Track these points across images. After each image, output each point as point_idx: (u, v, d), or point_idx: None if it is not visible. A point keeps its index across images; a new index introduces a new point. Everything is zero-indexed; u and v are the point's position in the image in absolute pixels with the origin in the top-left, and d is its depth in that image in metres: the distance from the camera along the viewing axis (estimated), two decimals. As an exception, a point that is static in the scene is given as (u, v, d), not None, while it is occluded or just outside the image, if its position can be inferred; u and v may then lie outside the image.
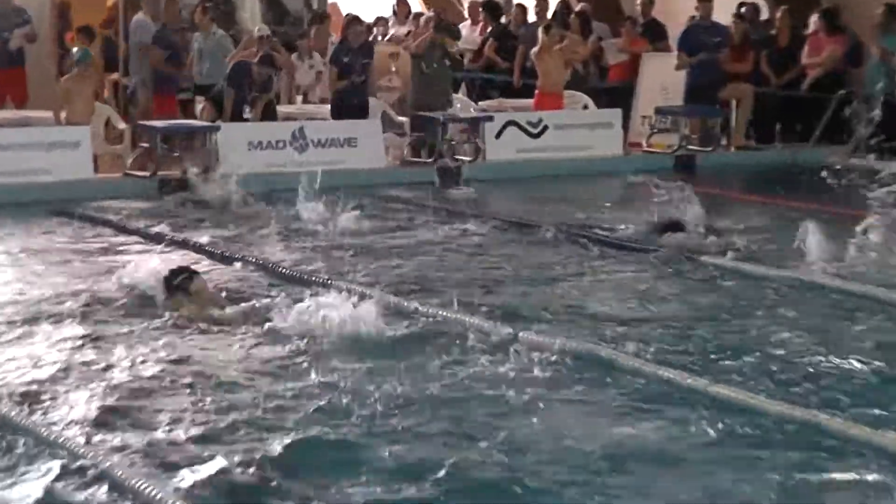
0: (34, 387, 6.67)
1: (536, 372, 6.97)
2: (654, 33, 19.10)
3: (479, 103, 18.04)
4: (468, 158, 16.03)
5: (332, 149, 15.17)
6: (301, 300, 8.16)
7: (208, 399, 6.46)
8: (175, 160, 14.51)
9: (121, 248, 10.62)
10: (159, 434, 5.98)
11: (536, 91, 17.18)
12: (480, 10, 20.56)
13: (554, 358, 7.18)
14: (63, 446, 5.74)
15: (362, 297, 7.82)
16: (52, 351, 7.35)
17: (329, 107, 16.15)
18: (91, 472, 5.46)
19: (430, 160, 15.76)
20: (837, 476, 5.56)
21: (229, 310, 8.18)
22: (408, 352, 7.29)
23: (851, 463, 5.69)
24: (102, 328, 7.83)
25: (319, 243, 10.82)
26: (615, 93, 18.37)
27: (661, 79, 17.94)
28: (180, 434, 5.97)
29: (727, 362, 7.22)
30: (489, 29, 20.03)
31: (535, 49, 17.15)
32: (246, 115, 15.25)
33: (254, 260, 9.92)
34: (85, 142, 14.10)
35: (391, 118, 16.89)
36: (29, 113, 15.76)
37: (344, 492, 5.35)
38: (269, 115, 15.60)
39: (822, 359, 7.29)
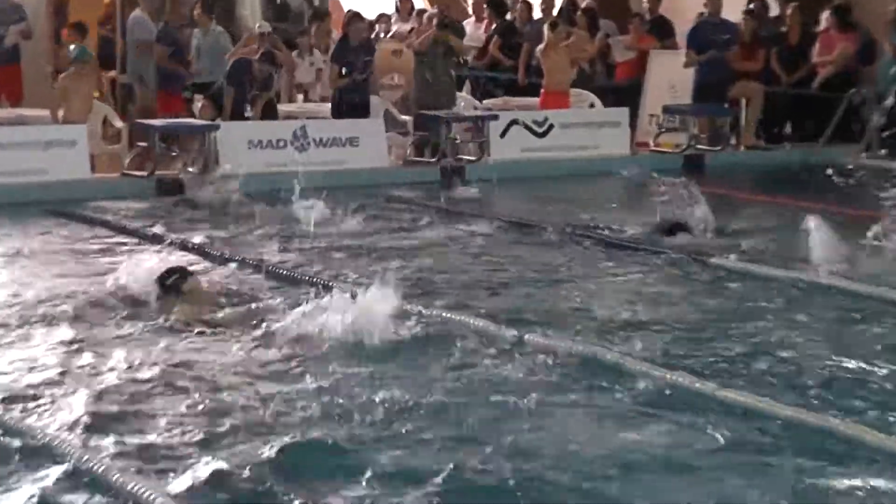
0: (28, 389, 6.67)
1: (542, 375, 6.96)
2: (662, 30, 19.09)
3: (484, 102, 18.04)
4: (472, 158, 16.04)
5: (333, 148, 15.17)
6: (300, 302, 8.17)
7: (204, 402, 6.45)
8: (173, 160, 14.53)
9: (118, 248, 10.62)
10: (155, 437, 5.97)
11: (542, 89, 17.16)
12: (485, 6, 20.55)
13: (560, 361, 7.17)
14: (58, 450, 5.73)
15: (363, 298, 7.80)
16: (47, 353, 7.35)
17: (329, 105, 16.15)
18: (86, 476, 5.46)
19: (433, 160, 15.76)
20: (849, 482, 5.54)
21: (225, 310, 8.18)
22: (410, 355, 7.29)
23: (863, 468, 5.67)
24: (97, 330, 7.83)
25: (320, 244, 10.81)
26: (622, 91, 18.37)
27: (670, 77, 17.93)
28: (177, 437, 5.96)
29: (735, 366, 7.21)
30: (494, 26, 20.02)
31: (540, 46, 17.13)
32: (247, 114, 15.25)
33: (252, 261, 9.91)
34: (82, 141, 14.10)
35: (394, 117, 16.88)
36: (25, 111, 15.77)
37: (343, 496, 5.34)
38: (269, 113, 15.60)
39: (833, 362, 7.27)
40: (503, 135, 16.17)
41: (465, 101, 17.77)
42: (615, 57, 19.37)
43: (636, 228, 11.33)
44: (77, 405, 6.39)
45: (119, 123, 15.58)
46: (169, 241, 10.75)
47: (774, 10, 19.41)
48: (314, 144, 15.04)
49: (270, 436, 5.95)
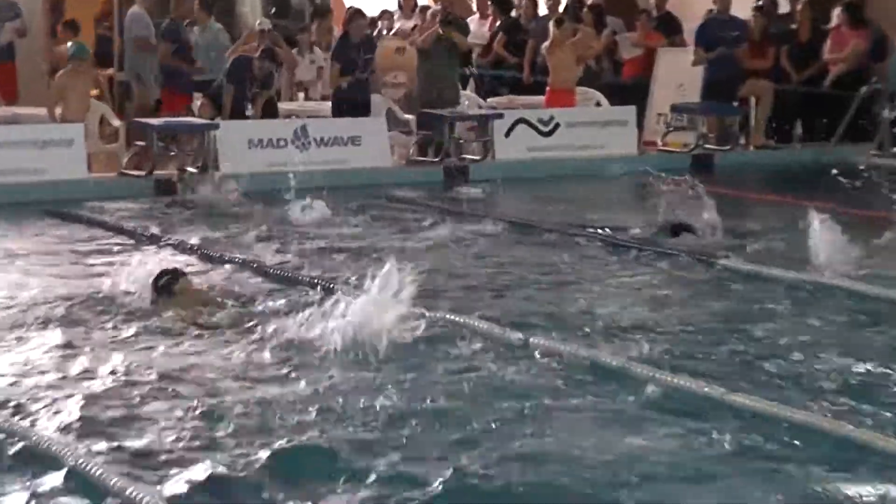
0: (22, 392, 6.67)
1: (547, 379, 6.96)
2: (669, 27, 19.09)
3: (488, 100, 18.06)
4: (476, 157, 16.04)
5: (335, 147, 15.17)
6: (298, 303, 8.17)
7: (200, 405, 6.44)
8: (172, 159, 14.53)
9: (114, 249, 10.63)
10: (151, 440, 5.96)
11: (547, 87, 17.17)
12: (489, 3, 20.55)
13: (565, 364, 7.17)
14: (53, 453, 5.73)
15: (364, 300, 7.80)
16: (41, 355, 7.35)
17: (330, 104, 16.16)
18: (81, 479, 5.45)
19: (436, 159, 15.76)
20: (860, 488, 5.54)
21: (220, 311, 8.19)
22: (412, 357, 7.27)
23: (876, 474, 5.66)
24: (92, 332, 7.84)
25: (319, 245, 10.82)
26: (629, 89, 18.37)
27: (678, 75, 17.92)
28: (173, 441, 5.95)
29: (744, 369, 7.20)
30: (498, 23, 20.03)
31: (546, 44, 17.14)
32: (248, 112, 15.25)
33: (250, 262, 9.91)
34: (78, 140, 14.11)
35: (396, 116, 16.89)
36: (22, 110, 15.79)
37: (342, 500, 5.34)
38: (270, 112, 15.61)
39: (844, 366, 7.25)
40: (508, 134, 16.18)
41: (469, 100, 17.77)
42: (622, 54, 19.38)
43: (642, 229, 11.32)
44: (72, 408, 6.39)
45: (116, 122, 15.58)
46: (166, 241, 10.79)
47: (784, 7, 19.40)
48: (315, 144, 15.04)
49: (268, 439, 5.94)
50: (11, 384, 6.81)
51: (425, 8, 20.15)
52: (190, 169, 14.38)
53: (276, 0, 20.15)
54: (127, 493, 5.22)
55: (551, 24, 17.30)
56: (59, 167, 13.83)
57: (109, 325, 7.99)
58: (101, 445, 5.86)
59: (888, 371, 7.16)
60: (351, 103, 15.69)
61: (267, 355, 7.32)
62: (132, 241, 11.02)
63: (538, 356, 7.31)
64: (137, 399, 6.57)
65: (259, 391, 6.70)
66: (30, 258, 10.32)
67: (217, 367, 7.12)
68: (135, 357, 7.29)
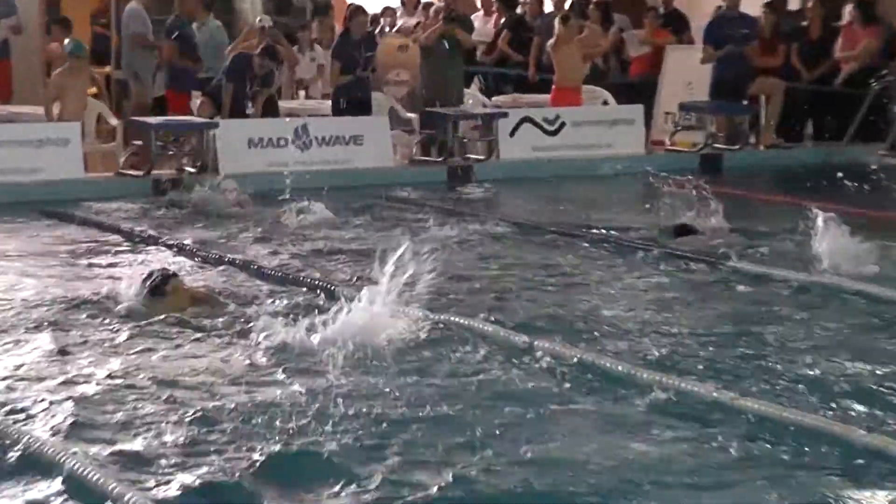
0: (14, 394, 6.67)
1: (551, 383, 6.95)
2: (676, 24, 19.08)
3: (493, 99, 18.06)
4: (481, 157, 16.03)
5: (336, 147, 15.17)
6: (297, 305, 8.17)
7: (194, 408, 6.43)
8: (170, 159, 14.53)
9: (111, 251, 10.63)
10: (142, 444, 5.95)
11: (553, 86, 17.16)
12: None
13: (570, 368, 7.17)
14: (44, 456, 5.74)
15: (364, 302, 7.80)
16: (33, 357, 7.35)
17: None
18: (72, 483, 5.46)
19: (440, 159, 15.76)
20: (871, 494, 5.53)
21: (214, 313, 8.21)
22: (413, 360, 7.26)
23: (890, 481, 5.65)
24: (85, 334, 7.83)
25: (320, 246, 10.82)
26: (637, 88, 18.37)
27: (686, 73, 17.90)
28: (164, 444, 5.95)
29: (752, 373, 7.18)
30: (503, 20, 20.04)
31: (551, 41, 17.12)
32: (248, 111, 15.24)
33: (248, 263, 9.91)
34: (75, 139, 14.10)
35: (399, 114, 16.89)
36: (17, 108, 15.79)
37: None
38: (270, 110, 15.60)
39: (857, 369, 7.25)
40: (513, 133, 16.17)
41: (473, 99, 17.77)
42: (629, 52, 19.38)
43: (648, 230, 11.32)
44: (63, 411, 6.39)
45: (114, 121, 15.57)
46: (163, 242, 10.79)
47: (795, 4, 19.43)
48: (316, 143, 15.03)
49: (264, 443, 5.93)
50: (4, 387, 6.81)
51: (428, 4, 20.18)
52: (189, 169, 14.38)
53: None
54: (117, 496, 5.22)
55: (557, 22, 17.28)
56: (56, 167, 13.82)
57: (103, 327, 7.99)
58: (95, 448, 5.86)
59: (900, 375, 7.16)
60: (351, 102, 15.68)
61: (264, 358, 7.31)
62: (129, 242, 11.02)
63: (543, 359, 7.29)
64: (131, 402, 6.56)
65: (256, 394, 6.68)
66: (25, 259, 10.31)
67: (213, 370, 7.11)
68: (129, 360, 7.28)
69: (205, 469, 5.61)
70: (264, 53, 15.26)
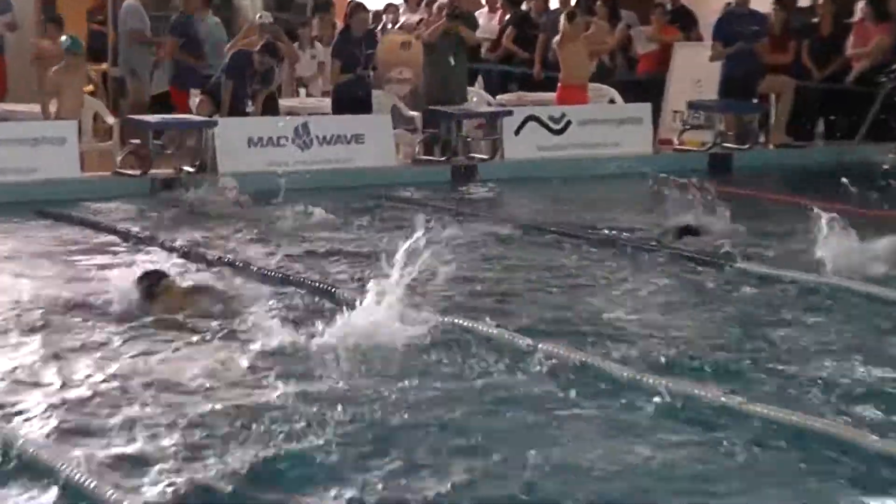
0: (4, 396, 6.68)
1: (555, 386, 6.94)
2: (684, 21, 19.07)
3: (497, 97, 18.05)
4: (485, 156, 16.03)
5: (338, 146, 15.16)
6: (296, 306, 8.16)
7: (187, 411, 6.43)
8: (168, 158, 14.53)
9: (107, 251, 10.63)
10: (134, 447, 5.95)
11: (559, 84, 17.15)
12: (498, -5, 20.59)
13: (575, 371, 7.15)
14: (33, 459, 5.74)
15: (363, 303, 7.81)
16: (24, 359, 7.36)
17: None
18: (62, 486, 5.46)
19: (443, 158, 15.76)
20: (886, 503, 5.52)
21: (208, 314, 8.21)
22: (413, 363, 7.26)
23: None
24: (78, 336, 7.83)
25: (319, 246, 10.81)
26: (644, 85, 18.35)
27: (695, 71, 17.89)
28: (155, 447, 5.94)
29: (763, 377, 7.17)
30: (508, 16, 20.03)
31: (557, 38, 17.12)
32: (248, 109, 15.24)
33: (246, 264, 9.91)
34: (71, 138, 14.09)
35: (402, 113, 16.89)
36: (13, 106, 15.79)
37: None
38: (270, 109, 15.59)
39: (868, 373, 7.23)
40: (518, 132, 16.16)
41: (477, 97, 17.77)
42: (636, 49, 19.37)
43: (654, 231, 11.32)
44: (56, 414, 6.39)
45: (111, 119, 15.58)
46: (160, 243, 10.79)
47: (805, 0, 19.39)
48: (317, 142, 15.03)
49: (260, 447, 5.91)
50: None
51: (432, 1, 20.15)
52: (187, 168, 14.38)
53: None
54: (107, 499, 5.22)
55: (563, 18, 17.26)
56: (51, 166, 13.82)
57: (96, 329, 7.99)
58: (89, 452, 5.85)
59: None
60: (351, 100, 15.66)
61: (262, 361, 7.30)
62: (126, 243, 11.01)
63: (547, 363, 7.28)
64: (126, 405, 6.55)
65: (254, 398, 6.67)
66: (20, 260, 10.31)
67: (210, 373, 7.11)
68: (123, 362, 7.28)
69: (200, 474, 5.59)
70: (265, 50, 15.24)
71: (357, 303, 7.88)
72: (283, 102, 16.40)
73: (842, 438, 6.12)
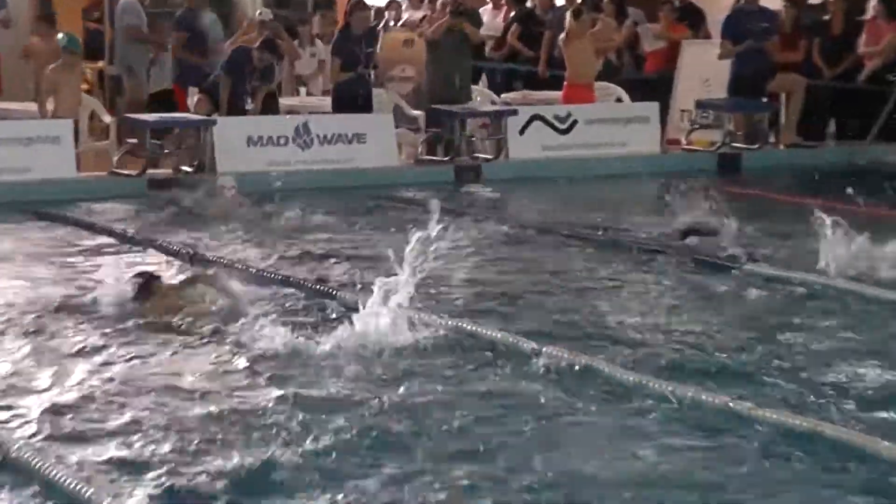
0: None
1: (560, 391, 6.92)
2: (692, 18, 19.05)
3: (502, 96, 18.05)
4: (489, 156, 16.03)
5: (339, 145, 15.15)
6: (294, 308, 8.16)
7: (180, 414, 6.44)
8: (166, 157, 14.53)
9: (102, 253, 10.64)
10: (125, 451, 5.95)
11: (565, 82, 17.14)
12: (503, -8, 20.57)
13: (580, 375, 7.14)
14: (21, 462, 5.74)
15: (364, 305, 7.81)
16: (14, 362, 7.37)
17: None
18: (49, 489, 5.47)
19: (447, 158, 15.75)
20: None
21: (202, 316, 8.22)
22: (414, 367, 7.25)
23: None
24: (70, 338, 7.85)
25: (320, 248, 10.81)
26: (652, 84, 18.33)
27: (703, 69, 17.87)
28: (144, 451, 5.94)
29: (772, 381, 7.16)
30: (513, 13, 20.02)
31: (563, 36, 17.09)
32: (248, 107, 15.24)
33: (244, 265, 9.90)
34: (67, 137, 14.08)
35: (404, 112, 16.89)
36: (8, 105, 15.79)
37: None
38: (270, 107, 15.60)
39: (880, 378, 7.21)
40: (522, 131, 16.15)
41: (481, 95, 17.77)
42: (644, 47, 19.35)
43: (660, 232, 11.32)
44: (42, 416, 6.39)
45: (107, 118, 15.58)
46: (157, 244, 10.79)
47: (816, -3, 19.38)
48: (318, 141, 15.02)
49: (259, 450, 5.91)
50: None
51: (435, -2, 20.18)
52: (185, 168, 14.38)
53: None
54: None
55: (569, 15, 17.24)
56: (47, 165, 13.81)
57: (89, 331, 7.99)
58: (80, 455, 5.86)
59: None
60: (352, 99, 15.65)
61: (258, 363, 7.30)
62: (122, 244, 11.02)
63: (551, 366, 7.27)
64: (116, 409, 6.55)
65: (250, 400, 6.67)
66: (13, 261, 10.32)
67: (205, 376, 7.11)
68: (114, 365, 7.30)
69: (196, 479, 5.58)
70: (264, 46, 15.25)
71: (359, 305, 7.87)
72: (284, 101, 16.41)
73: (854, 445, 6.10)
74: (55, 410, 6.49)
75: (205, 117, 14.96)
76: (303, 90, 18.26)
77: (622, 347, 7.76)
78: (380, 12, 21.05)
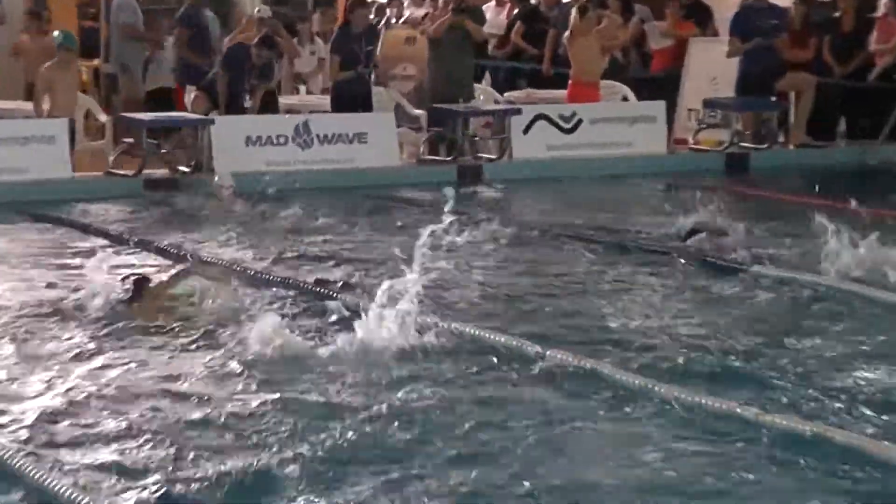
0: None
1: (564, 395, 6.93)
2: (700, 15, 19.04)
3: (505, 95, 18.04)
4: (492, 156, 16.03)
5: (339, 145, 15.15)
6: (293, 310, 8.16)
7: (173, 417, 6.46)
8: (163, 157, 14.53)
9: (95, 254, 10.61)
10: (118, 455, 5.96)
11: (569, 81, 17.14)
12: (507, -11, 20.58)
13: (584, 380, 7.14)
14: (10, 467, 5.75)
15: (364, 306, 7.81)
16: (3, 367, 7.37)
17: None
18: (39, 494, 5.48)
19: (449, 158, 15.75)
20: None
21: (199, 317, 8.23)
22: (415, 370, 7.26)
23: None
24: (62, 341, 7.88)
25: (320, 249, 10.82)
26: (658, 83, 18.32)
27: (711, 67, 17.87)
28: (135, 455, 5.96)
29: (780, 386, 7.15)
30: (516, 11, 20.02)
31: (567, 33, 17.10)
32: (246, 105, 15.24)
33: (242, 266, 9.91)
34: (62, 136, 14.08)
35: (406, 111, 16.89)
36: (3, 104, 15.79)
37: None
38: (269, 106, 15.60)
39: (890, 383, 7.21)
40: (526, 131, 16.15)
41: (484, 94, 17.76)
42: (650, 45, 19.33)
43: (666, 233, 11.33)
44: (31, 420, 6.40)
45: (103, 117, 15.59)
46: (153, 245, 10.80)
47: (826, -6, 19.37)
48: (318, 141, 15.02)
49: (257, 453, 5.93)
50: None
51: (437, -6, 20.18)
52: (182, 168, 14.39)
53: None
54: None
55: (574, 12, 17.23)
56: (42, 165, 13.82)
57: (81, 335, 8.01)
58: (71, 459, 5.86)
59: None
60: (351, 98, 15.65)
61: (255, 367, 7.30)
62: (117, 246, 11.02)
63: (555, 370, 7.27)
64: (106, 412, 6.57)
65: (247, 404, 6.68)
66: (9, 263, 10.33)
67: (200, 378, 7.12)
68: (104, 367, 7.32)
69: (191, 484, 5.59)
70: (262, 43, 15.26)
71: (360, 308, 7.87)
72: (283, 100, 16.42)
73: (863, 451, 6.10)
74: (48, 415, 6.50)
75: (202, 116, 14.97)
76: (302, 88, 18.25)
77: (627, 351, 7.76)
78: (381, 9, 21.07)
